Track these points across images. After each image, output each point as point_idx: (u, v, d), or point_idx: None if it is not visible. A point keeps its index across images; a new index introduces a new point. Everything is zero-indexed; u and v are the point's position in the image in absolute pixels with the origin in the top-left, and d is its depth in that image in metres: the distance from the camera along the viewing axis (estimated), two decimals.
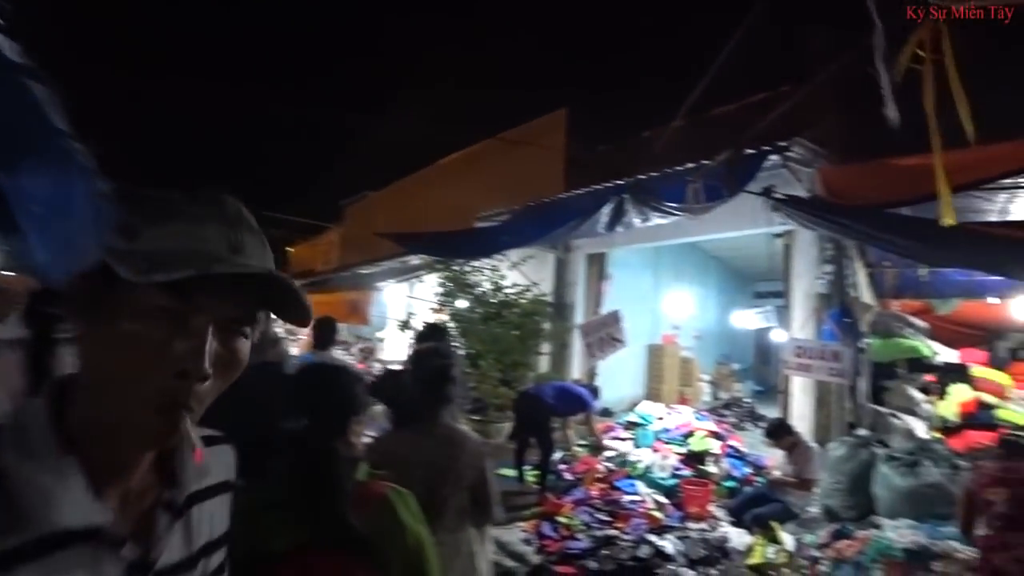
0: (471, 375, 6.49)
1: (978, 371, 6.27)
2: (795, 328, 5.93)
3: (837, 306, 5.41)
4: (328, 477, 1.04)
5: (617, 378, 9.59)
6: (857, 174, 4.94)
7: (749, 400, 9.97)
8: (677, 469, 5.03)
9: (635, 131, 9.06)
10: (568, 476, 5.06)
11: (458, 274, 7.07)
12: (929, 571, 3.10)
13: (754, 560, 3.75)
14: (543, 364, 7.75)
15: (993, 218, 4.11)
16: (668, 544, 3.68)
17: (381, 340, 8.13)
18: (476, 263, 7.30)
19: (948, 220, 2.37)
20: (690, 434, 5.51)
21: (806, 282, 5.84)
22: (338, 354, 3.44)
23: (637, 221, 4.83)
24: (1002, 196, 4.02)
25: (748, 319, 10.21)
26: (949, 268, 4.89)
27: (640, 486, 4.78)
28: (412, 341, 9.00)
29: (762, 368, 15.45)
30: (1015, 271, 3.15)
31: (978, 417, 5.94)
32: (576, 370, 8.01)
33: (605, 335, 5.38)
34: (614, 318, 5.45)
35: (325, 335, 3.53)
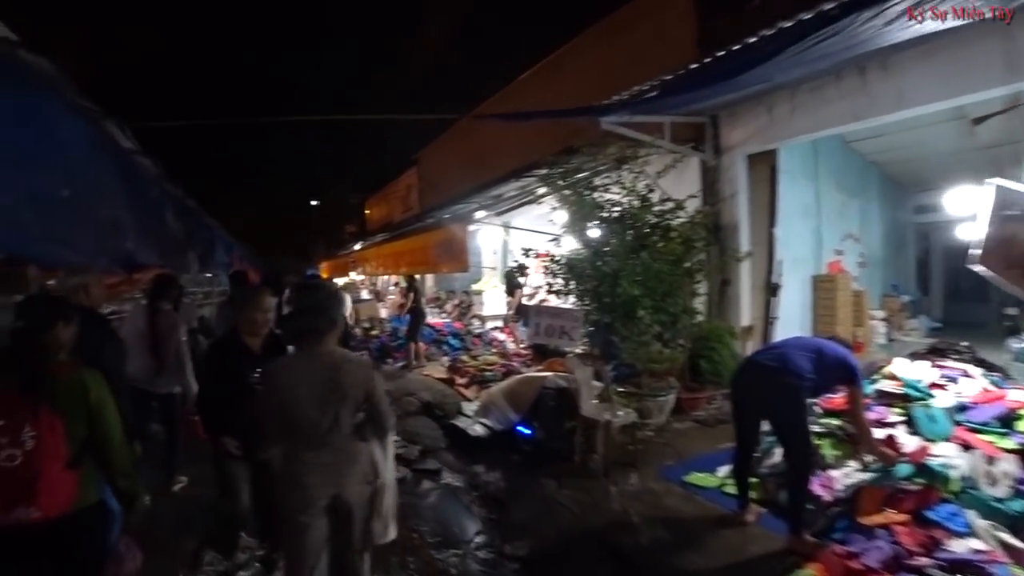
0: (624, 332, 4.49)
1: None
2: None
3: None
4: (29, 350, 1.77)
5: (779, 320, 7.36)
6: None
7: (967, 343, 7.39)
8: (1021, 481, 2.92)
9: None
10: (823, 496, 3.07)
11: (582, 188, 4.96)
12: None
13: None
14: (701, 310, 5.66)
15: None
16: None
17: (478, 294, 6.31)
18: (602, 179, 5.20)
19: None
20: (1014, 414, 3.31)
21: None
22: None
23: None
24: None
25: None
26: None
27: (971, 516, 2.74)
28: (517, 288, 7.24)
29: (925, 300, 12.47)
30: None
31: None
32: (745, 315, 5.88)
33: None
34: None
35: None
